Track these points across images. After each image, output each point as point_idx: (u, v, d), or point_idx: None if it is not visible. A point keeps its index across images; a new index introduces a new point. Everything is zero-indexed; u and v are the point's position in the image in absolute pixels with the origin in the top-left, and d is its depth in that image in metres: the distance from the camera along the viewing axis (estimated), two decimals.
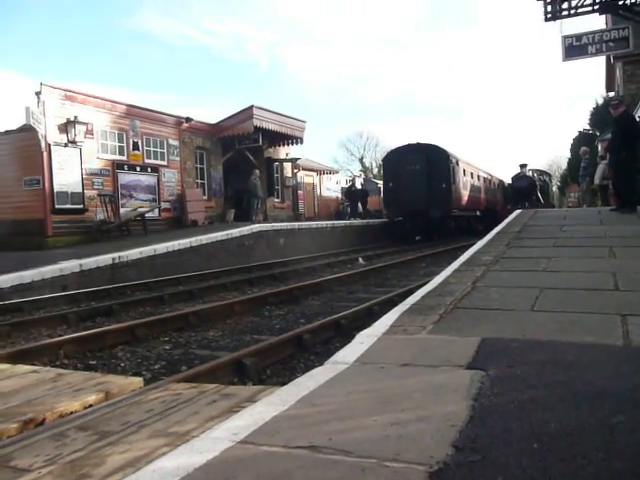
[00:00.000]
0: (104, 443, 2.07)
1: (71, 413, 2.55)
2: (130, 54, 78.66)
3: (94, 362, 4.71)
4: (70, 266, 9.12)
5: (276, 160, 22.53)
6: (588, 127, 33.49)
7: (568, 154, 40.66)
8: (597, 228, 7.01)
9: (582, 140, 33.77)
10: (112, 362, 4.70)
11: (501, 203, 28.68)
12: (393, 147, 23.03)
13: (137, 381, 3.12)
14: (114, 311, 7.07)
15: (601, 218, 8.09)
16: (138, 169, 15.71)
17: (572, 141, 38.29)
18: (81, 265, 9.31)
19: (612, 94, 23.01)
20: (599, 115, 29.91)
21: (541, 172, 31.40)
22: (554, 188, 50.79)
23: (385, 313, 3.46)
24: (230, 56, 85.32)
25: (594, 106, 33.50)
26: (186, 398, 2.61)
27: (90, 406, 2.64)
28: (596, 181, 14.89)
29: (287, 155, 23.14)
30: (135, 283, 9.62)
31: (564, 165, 48.43)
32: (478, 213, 24.82)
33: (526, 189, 24.98)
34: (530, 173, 26.59)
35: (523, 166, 26.42)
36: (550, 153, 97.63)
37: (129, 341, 5.34)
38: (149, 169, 16.11)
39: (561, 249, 5.52)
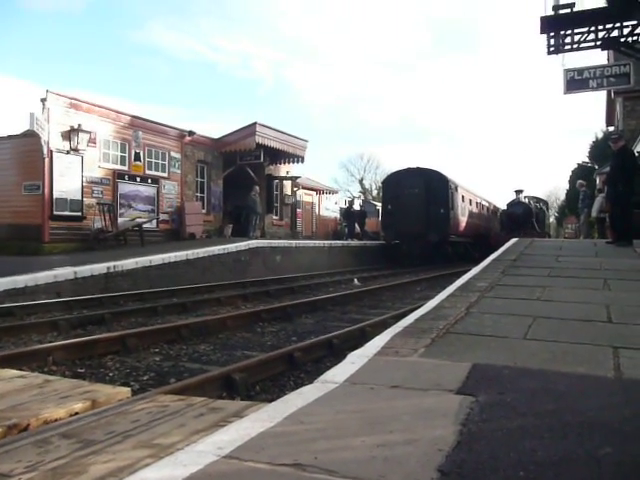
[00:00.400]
0: (87, 452, 2.05)
1: (56, 420, 2.52)
2: (137, 66, 79.53)
3: (82, 370, 4.67)
4: (65, 273, 9.09)
5: (276, 177, 22.64)
6: (587, 160, 33.79)
7: (567, 185, 41.00)
8: (593, 260, 7.03)
9: (581, 173, 34.06)
10: (101, 371, 4.66)
11: (496, 230, 27.31)
12: (393, 170, 23.19)
13: (124, 391, 3.09)
14: (106, 320, 7.02)
15: (597, 250, 8.12)
16: (138, 180, 15.77)
17: (571, 173, 38.64)
18: (76, 272, 9.28)
19: (612, 129, 23.30)
20: (598, 148, 30.24)
21: (538, 199, 29.86)
22: (551, 218, 50.97)
23: (378, 334, 3.45)
24: (236, 73, 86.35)
25: (594, 139, 33.91)
26: (173, 410, 2.58)
27: (76, 414, 2.61)
28: (593, 214, 14.99)
29: (288, 173, 23.27)
30: (129, 293, 9.58)
31: (562, 196, 48.80)
32: (469, 240, 24.64)
33: (521, 216, 23.55)
34: (526, 200, 25.14)
35: (519, 192, 24.98)
36: (549, 184, 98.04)
37: (119, 351, 5.30)
38: (149, 180, 16.17)
39: (556, 279, 5.53)
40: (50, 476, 1.83)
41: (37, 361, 4.70)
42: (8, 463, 1.97)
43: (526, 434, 1.76)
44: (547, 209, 32.86)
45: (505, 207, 25.98)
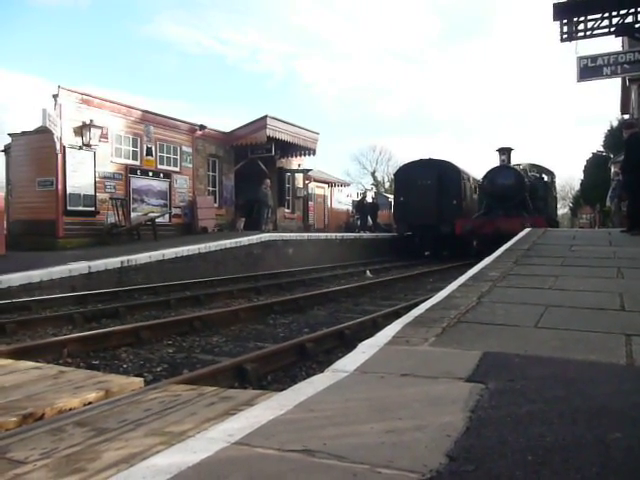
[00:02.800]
0: (101, 439, 2.08)
1: (70, 409, 2.57)
2: (147, 61, 79.96)
3: (97, 362, 4.73)
4: (79, 267, 9.19)
5: (288, 170, 22.63)
6: (602, 149, 33.36)
7: (581, 175, 40.55)
8: (606, 249, 6.95)
9: (595, 162, 33.68)
10: (115, 363, 4.71)
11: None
12: (405, 162, 23.05)
13: (138, 381, 3.13)
14: (120, 313, 7.09)
15: (611, 239, 8.03)
16: (150, 174, 15.86)
17: (586, 163, 38.21)
18: (90, 267, 9.38)
19: (627, 117, 22.94)
20: (614, 137, 29.81)
21: (539, 168, 20.87)
22: (565, 209, 50.16)
23: (389, 325, 3.45)
24: (246, 66, 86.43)
25: (608, 128, 33.44)
26: (185, 399, 2.62)
27: (89, 403, 2.65)
28: (607, 202, 14.82)
29: (299, 166, 23.25)
30: (142, 287, 9.66)
31: (577, 186, 48.25)
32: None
33: (506, 189, 16.28)
34: (521, 167, 18.04)
35: (504, 151, 16.95)
36: (563, 174, 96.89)
37: (133, 343, 5.36)
38: (161, 175, 16.26)
39: (569, 268, 5.48)
40: (64, 462, 1.87)
41: (52, 353, 4.77)
42: (23, 450, 2.01)
43: (535, 420, 1.75)
44: (552, 182, 22.02)
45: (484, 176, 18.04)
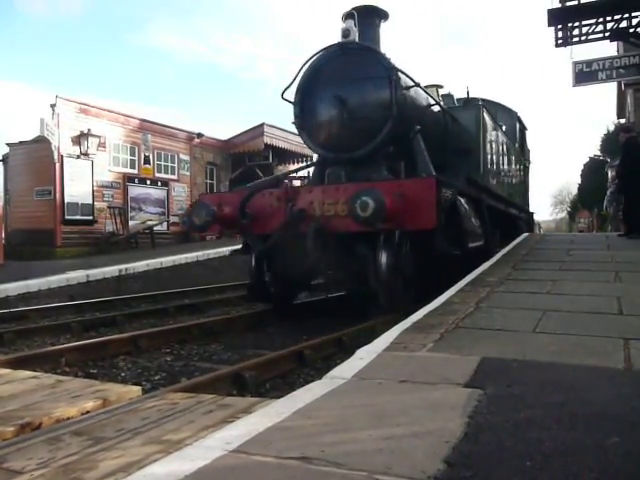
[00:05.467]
0: (98, 448, 2.07)
1: (68, 419, 2.55)
2: (143, 70, 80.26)
3: (95, 371, 4.71)
4: (77, 276, 9.19)
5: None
6: (599, 153, 33.47)
7: (578, 179, 40.66)
8: (604, 253, 6.97)
9: (593, 166, 33.80)
10: (113, 371, 4.69)
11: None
12: None
13: (135, 390, 3.11)
14: (118, 322, 7.06)
15: (608, 243, 8.05)
16: (148, 182, 15.89)
17: (583, 167, 38.34)
18: (88, 276, 9.37)
19: (623, 121, 23.04)
20: (610, 141, 29.89)
21: (488, 104, 8.87)
22: (562, 213, 50.03)
23: (387, 331, 3.44)
24: (241, 74, 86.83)
25: (605, 132, 33.57)
26: (183, 407, 2.61)
27: (87, 412, 2.64)
28: (604, 205, 14.86)
29: (296, 173, 23.27)
30: (140, 295, 9.63)
31: (575, 191, 48.32)
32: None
33: (349, 108, 5.93)
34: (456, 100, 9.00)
35: (351, 15, 5.94)
36: (560, 178, 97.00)
37: (131, 351, 5.33)
38: (159, 183, 16.28)
39: (567, 272, 5.49)
40: (61, 472, 1.86)
41: (50, 363, 4.73)
42: (20, 460, 2.00)
43: (533, 425, 1.75)
44: (521, 133, 12.06)
45: None
